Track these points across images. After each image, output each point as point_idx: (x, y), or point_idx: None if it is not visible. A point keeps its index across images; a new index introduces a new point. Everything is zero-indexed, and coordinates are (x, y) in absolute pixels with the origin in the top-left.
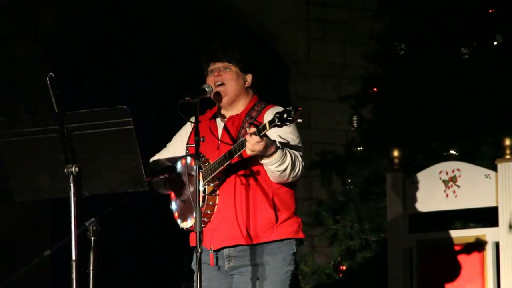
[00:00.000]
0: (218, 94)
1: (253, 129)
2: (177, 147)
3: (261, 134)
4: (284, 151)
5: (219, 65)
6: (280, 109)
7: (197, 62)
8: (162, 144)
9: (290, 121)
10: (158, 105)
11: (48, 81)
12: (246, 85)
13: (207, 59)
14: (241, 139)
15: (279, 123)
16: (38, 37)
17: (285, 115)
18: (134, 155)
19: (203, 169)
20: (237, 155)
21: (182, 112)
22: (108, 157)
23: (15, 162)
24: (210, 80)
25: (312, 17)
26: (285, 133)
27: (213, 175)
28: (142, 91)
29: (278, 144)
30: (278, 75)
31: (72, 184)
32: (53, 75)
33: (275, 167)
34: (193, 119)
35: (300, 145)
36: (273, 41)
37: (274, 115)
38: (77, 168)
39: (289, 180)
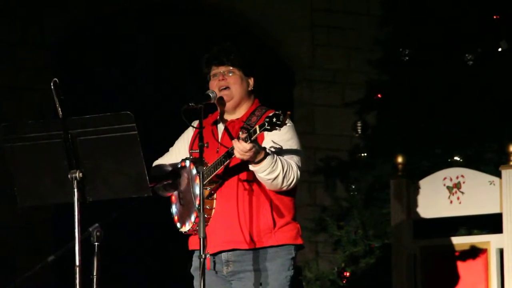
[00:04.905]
0: (222, 98)
1: (245, 135)
2: (179, 152)
3: (252, 139)
4: (275, 159)
5: (222, 69)
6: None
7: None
8: (165, 148)
9: (279, 125)
10: (162, 110)
11: (52, 87)
12: (249, 89)
13: (208, 64)
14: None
15: (269, 127)
16: (42, 42)
17: (274, 119)
18: (138, 160)
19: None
20: (233, 156)
21: (185, 117)
22: (112, 162)
23: (19, 167)
24: (214, 85)
25: (317, 23)
26: (282, 140)
27: (210, 178)
28: (146, 96)
29: (268, 151)
30: (283, 81)
31: (75, 190)
32: (57, 80)
33: (265, 175)
34: (195, 123)
35: (299, 155)
36: (278, 47)
37: (264, 119)
38: (80, 174)
39: (284, 189)
